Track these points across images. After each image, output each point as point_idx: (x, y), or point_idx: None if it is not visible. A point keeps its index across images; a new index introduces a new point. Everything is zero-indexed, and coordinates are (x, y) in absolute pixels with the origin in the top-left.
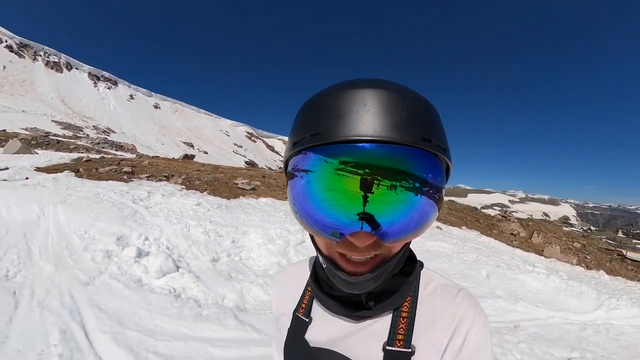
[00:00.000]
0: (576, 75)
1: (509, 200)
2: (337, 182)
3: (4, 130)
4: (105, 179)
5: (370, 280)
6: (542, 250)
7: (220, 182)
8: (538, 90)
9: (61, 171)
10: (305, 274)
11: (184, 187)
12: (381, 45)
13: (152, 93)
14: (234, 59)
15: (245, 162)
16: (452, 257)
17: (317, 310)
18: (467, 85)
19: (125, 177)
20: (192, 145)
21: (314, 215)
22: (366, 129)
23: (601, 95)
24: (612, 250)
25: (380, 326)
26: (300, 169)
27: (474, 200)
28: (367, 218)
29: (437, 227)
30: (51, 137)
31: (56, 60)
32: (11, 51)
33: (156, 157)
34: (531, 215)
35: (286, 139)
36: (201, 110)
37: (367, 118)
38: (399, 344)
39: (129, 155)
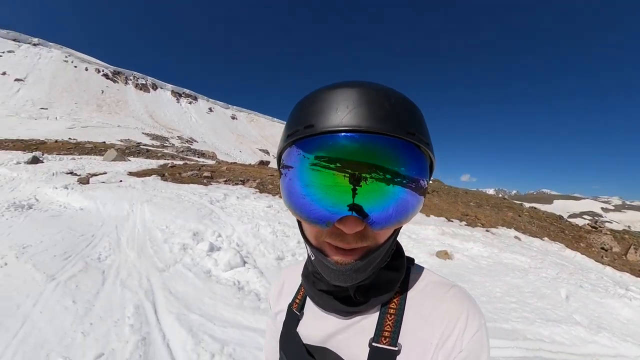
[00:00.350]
0: None
1: (602, 208)
2: (313, 178)
3: (104, 141)
4: (187, 183)
5: (359, 270)
6: None
7: None
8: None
9: (149, 175)
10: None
11: (257, 190)
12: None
13: (229, 105)
14: (304, 69)
15: None
16: (528, 272)
17: (310, 306)
18: (546, 72)
19: (204, 181)
20: (267, 152)
21: (302, 207)
22: (348, 121)
23: None
24: None
25: (368, 322)
26: (285, 165)
27: (559, 207)
28: (355, 209)
29: (515, 237)
30: (142, 146)
31: (144, 82)
32: (107, 78)
33: (234, 163)
34: (629, 227)
35: None
36: (275, 119)
37: (350, 112)
38: (385, 341)
39: (209, 162)
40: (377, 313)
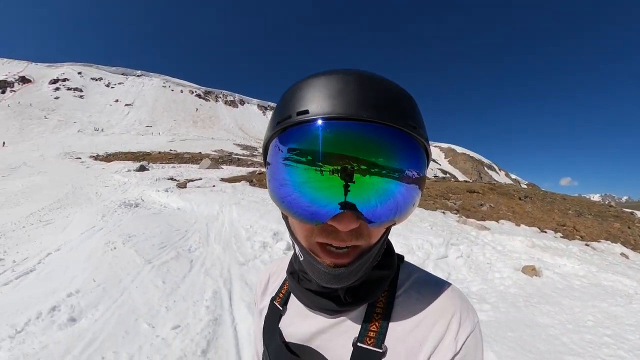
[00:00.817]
0: None
1: None
2: (273, 172)
3: (200, 152)
4: None
5: (352, 273)
6: None
7: None
8: None
9: (239, 181)
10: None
11: None
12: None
13: None
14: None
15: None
16: (632, 299)
17: (294, 302)
18: None
19: None
20: None
21: (296, 205)
22: (350, 108)
23: None
24: None
25: (353, 322)
26: (267, 162)
27: None
28: (348, 206)
29: (622, 254)
30: (233, 156)
31: (232, 99)
32: (200, 98)
33: None
34: None
35: (443, 145)
36: None
37: (352, 97)
38: (369, 342)
39: None
40: (364, 312)
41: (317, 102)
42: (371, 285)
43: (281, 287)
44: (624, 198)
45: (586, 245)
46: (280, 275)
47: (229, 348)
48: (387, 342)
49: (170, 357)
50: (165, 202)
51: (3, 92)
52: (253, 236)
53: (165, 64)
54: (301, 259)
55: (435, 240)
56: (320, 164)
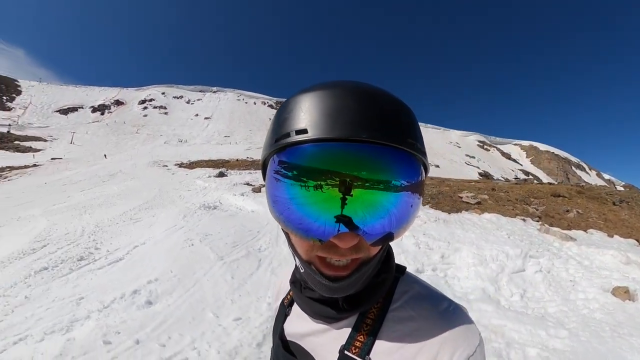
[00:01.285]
0: None
1: None
2: (274, 189)
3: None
4: None
5: (351, 284)
6: None
7: (444, 196)
8: None
9: None
10: None
11: None
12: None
13: None
14: (455, 69)
15: (479, 174)
16: None
17: (296, 305)
18: None
19: None
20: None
21: (300, 224)
22: (352, 130)
23: None
24: None
25: (344, 329)
26: (266, 177)
27: None
28: (344, 221)
29: None
30: None
31: None
32: (272, 108)
33: None
34: None
35: (524, 143)
36: (428, 125)
37: (355, 118)
38: (354, 351)
39: None
40: (354, 321)
41: (316, 120)
42: (368, 292)
43: (289, 291)
44: None
45: None
46: (287, 278)
47: None
48: (372, 355)
49: (227, 345)
50: (240, 205)
51: (102, 114)
52: None
53: (238, 79)
54: (302, 271)
55: (512, 252)
56: (322, 183)
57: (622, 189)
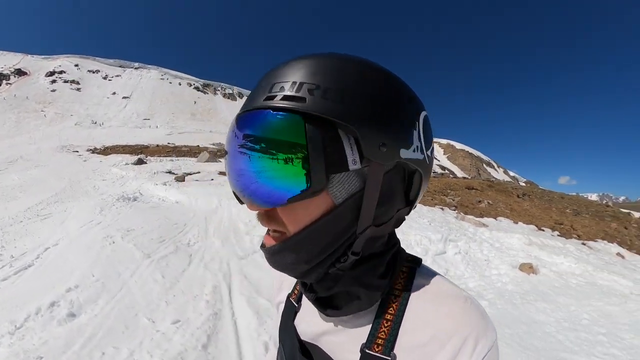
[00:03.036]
0: None
1: None
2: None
3: (198, 145)
4: None
5: (274, 254)
6: None
7: None
8: None
9: None
10: None
11: None
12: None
13: None
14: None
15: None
16: (628, 299)
17: (307, 300)
18: None
19: None
20: None
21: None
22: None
23: None
24: None
25: (362, 326)
26: None
27: None
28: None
29: (618, 254)
30: None
31: (230, 92)
32: (198, 90)
33: None
34: None
35: (442, 141)
36: None
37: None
38: (377, 349)
39: None
40: (372, 317)
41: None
42: (358, 290)
43: (297, 283)
44: (621, 198)
45: (583, 244)
46: None
47: (229, 342)
48: (395, 350)
49: (171, 351)
50: (163, 196)
51: None
52: (252, 230)
53: (164, 56)
54: None
55: (434, 236)
56: None
57: (524, 184)
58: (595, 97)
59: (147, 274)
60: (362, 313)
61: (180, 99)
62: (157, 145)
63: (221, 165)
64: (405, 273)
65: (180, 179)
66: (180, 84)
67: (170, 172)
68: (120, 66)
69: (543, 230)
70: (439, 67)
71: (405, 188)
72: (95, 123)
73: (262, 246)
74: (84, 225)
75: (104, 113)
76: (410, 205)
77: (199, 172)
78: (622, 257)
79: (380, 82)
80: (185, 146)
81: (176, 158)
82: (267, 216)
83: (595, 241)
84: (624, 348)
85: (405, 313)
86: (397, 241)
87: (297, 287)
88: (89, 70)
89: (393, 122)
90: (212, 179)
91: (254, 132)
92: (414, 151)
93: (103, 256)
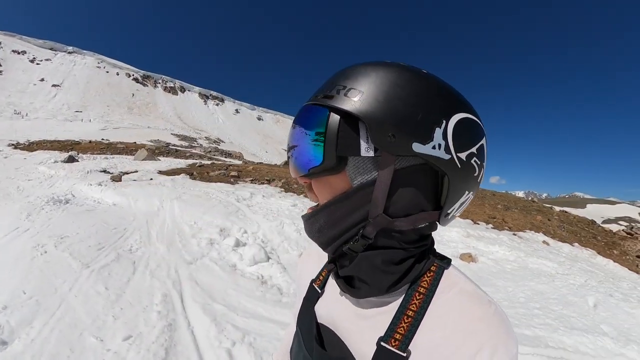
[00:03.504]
0: None
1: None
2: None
3: (135, 142)
4: (214, 181)
5: (308, 220)
6: None
7: None
8: None
9: (178, 174)
10: None
11: (283, 189)
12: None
13: (255, 107)
14: (328, 70)
15: None
16: (554, 278)
17: (331, 286)
18: (580, 74)
19: (231, 180)
20: None
21: None
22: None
23: None
24: None
25: (383, 318)
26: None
27: (593, 211)
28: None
29: (544, 241)
30: (171, 147)
31: (172, 85)
32: (137, 82)
33: (260, 163)
34: None
35: None
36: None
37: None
38: (394, 343)
39: (236, 162)
40: (393, 311)
41: None
42: (375, 275)
43: (322, 270)
44: (544, 195)
45: (514, 234)
46: (321, 256)
47: (190, 354)
48: (411, 347)
49: None
50: (99, 198)
51: None
52: (198, 233)
53: (102, 41)
54: None
55: None
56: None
57: None
58: (519, 103)
59: (88, 286)
60: (384, 308)
61: (117, 90)
62: (90, 141)
63: (161, 163)
64: (433, 272)
65: (117, 178)
66: (118, 74)
67: (105, 171)
68: (51, 49)
69: (479, 224)
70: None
71: (435, 190)
72: (19, 114)
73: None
74: (9, 234)
75: (29, 102)
76: (439, 209)
77: (136, 171)
78: (547, 244)
79: (398, 80)
80: (121, 143)
81: (111, 156)
82: (308, 188)
83: (524, 232)
84: (555, 318)
85: (427, 311)
86: (429, 242)
87: (323, 273)
88: (13, 51)
89: (408, 116)
90: (152, 179)
91: (304, 117)
92: (433, 148)
93: (35, 269)
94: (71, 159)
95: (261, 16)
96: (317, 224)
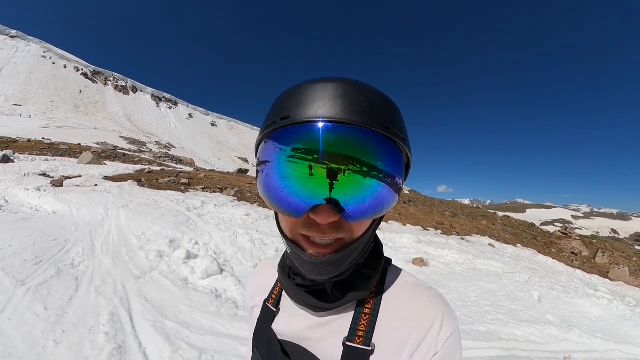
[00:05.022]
0: (621, 81)
1: (572, 216)
2: (289, 169)
3: (79, 143)
4: (164, 189)
5: (334, 264)
6: (608, 272)
7: None
8: (603, 93)
9: (125, 180)
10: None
11: (235, 198)
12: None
13: (209, 112)
14: (287, 81)
15: None
16: (502, 277)
17: (286, 302)
18: (521, 90)
19: (182, 187)
20: (246, 161)
21: (279, 200)
22: (323, 112)
23: None
24: None
25: (342, 321)
26: (261, 161)
27: (532, 216)
28: (332, 201)
29: (489, 244)
30: (118, 150)
31: (124, 84)
32: (86, 78)
33: (212, 170)
34: (597, 233)
35: None
36: (255, 127)
37: (326, 104)
38: (358, 341)
39: (187, 169)
40: (352, 312)
41: (295, 108)
42: (357, 283)
43: (273, 288)
44: (488, 201)
45: (462, 239)
46: (272, 274)
47: None
48: (374, 340)
49: None
50: (37, 205)
51: None
52: (146, 245)
53: (50, 29)
54: (289, 251)
55: None
56: (310, 158)
57: (408, 192)
58: (464, 117)
59: (25, 307)
60: (342, 312)
61: (63, 85)
62: (29, 140)
63: (107, 168)
64: (380, 269)
65: (58, 183)
66: (65, 67)
67: (45, 175)
68: None
69: (428, 230)
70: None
71: None
72: None
73: (311, 257)
74: None
75: None
76: None
77: (80, 176)
78: (493, 246)
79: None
80: (64, 143)
81: (52, 158)
82: (337, 225)
83: (471, 236)
84: (505, 313)
85: (381, 306)
86: (381, 244)
87: (275, 292)
88: None
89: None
90: (96, 185)
91: (382, 155)
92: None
93: None
94: (5, 159)
95: (221, 20)
96: (349, 258)
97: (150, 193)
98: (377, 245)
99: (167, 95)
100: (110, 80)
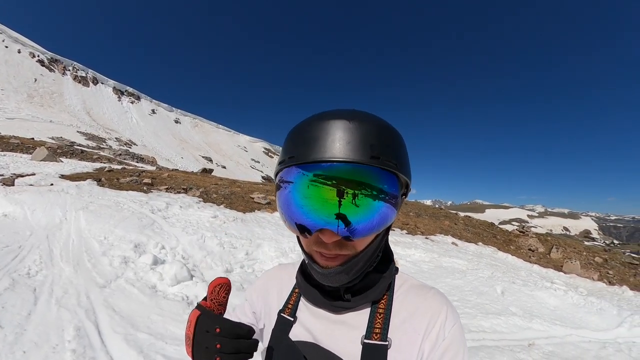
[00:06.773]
0: (595, 88)
1: (528, 215)
2: (311, 191)
3: (33, 138)
4: (125, 189)
5: (340, 274)
6: (562, 266)
7: (236, 196)
8: (556, 102)
9: (84, 179)
10: (294, 275)
11: (201, 199)
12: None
13: (173, 108)
14: (253, 79)
15: (262, 177)
16: (466, 273)
17: (302, 308)
18: (480, 97)
19: (145, 188)
20: (210, 160)
21: (296, 218)
22: (329, 152)
23: (620, 103)
24: (637, 264)
25: (358, 320)
26: (285, 180)
27: (491, 215)
28: (341, 217)
29: (453, 243)
30: (76, 146)
31: (83, 75)
32: (42, 65)
33: (175, 170)
34: (551, 230)
35: None
36: (220, 125)
37: (329, 143)
38: (376, 337)
39: (149, 168)
40: (367, 312)
41: (299, 148)
42: (370, 286)
43: (289, 299)
44: (449, 202)
45: (426, 238)
46: (285, 281)
47: None
48: (390, 334)
49: None
50: None
51: None
52: (110, 250)
53: (4, 8)
54: (306, 262)
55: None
56: (330, 183)
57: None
58: (424, 120)
59: None
60: (357, 311)
61: (16, 71)
62: None
63: (63, 166)
64: (390, 275)
65: (9, 182)
66: (19, 52)
67: None
68: None
69: (394, 230)
70: (311, 81)
71: None
72: None
73: (321, 268)
74: None
75: None
76: None
77: (34, 174)
78: (456, 245)
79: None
80: (15, 137)
81: (2, 153)
82: (340, 244)
83: (435, 235)
84: (472, 307)
85: (393, 304)
86: (392, 252)
87: (291, 302)
88: None
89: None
90: (52, 184)
91: (380, 181)
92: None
93: None
94: None
95: (188, 15)
96: (355, 268)
97: (111, 194)
98: (388, 253)
99: (130, 89)
100: (69, 70)
